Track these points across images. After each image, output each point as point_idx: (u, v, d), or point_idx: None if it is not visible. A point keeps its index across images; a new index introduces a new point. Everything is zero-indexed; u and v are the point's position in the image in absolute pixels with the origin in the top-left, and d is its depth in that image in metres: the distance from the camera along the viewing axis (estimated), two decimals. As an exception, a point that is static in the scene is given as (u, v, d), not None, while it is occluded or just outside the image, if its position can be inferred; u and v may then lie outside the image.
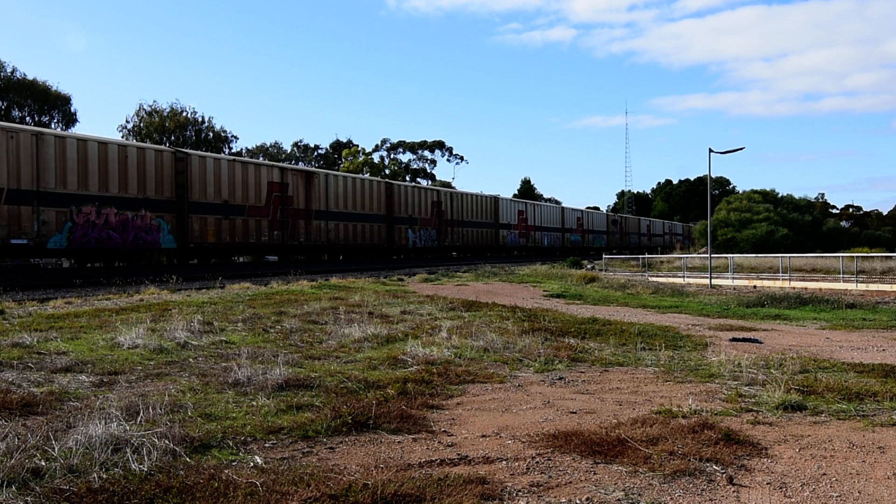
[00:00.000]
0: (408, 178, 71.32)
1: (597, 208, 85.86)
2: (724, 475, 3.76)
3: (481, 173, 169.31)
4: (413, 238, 37.44)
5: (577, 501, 3.41)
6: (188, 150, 26.36)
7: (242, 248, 27.29)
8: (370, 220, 34.19)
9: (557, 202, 79.83)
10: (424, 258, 38.61)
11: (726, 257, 34.62)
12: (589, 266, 34.07)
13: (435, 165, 79.49)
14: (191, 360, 7.05)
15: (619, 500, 3.44)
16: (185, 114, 55.19)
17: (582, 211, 62.78)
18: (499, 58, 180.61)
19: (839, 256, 29.53)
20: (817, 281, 26.77)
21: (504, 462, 4.00)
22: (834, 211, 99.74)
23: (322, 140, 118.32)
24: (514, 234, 48.73)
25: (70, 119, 51.10)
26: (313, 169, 35.31)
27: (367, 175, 50.84)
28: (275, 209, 28.15)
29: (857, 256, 29.35)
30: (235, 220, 26.25)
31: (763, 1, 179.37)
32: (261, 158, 66.12)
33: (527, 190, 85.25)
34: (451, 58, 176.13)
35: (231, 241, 26.12)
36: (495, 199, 46.70)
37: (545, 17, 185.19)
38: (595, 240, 63.82)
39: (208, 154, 27.60)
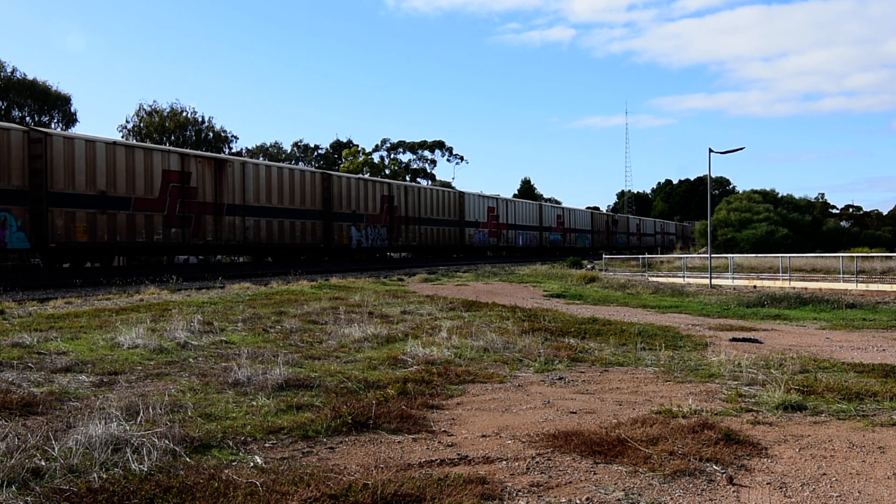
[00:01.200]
0: (408, 178, 71.21)
1: (597, 208, 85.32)
2: (724, 475, 3.76)
3: (481, 173, 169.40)
4: (357, 237, 33.31)
5: (577, 501, 3.41)
6: (49, 129, 23.34)
7: (127, 248, 23.46)
8: (302, 216, 30.01)
9: (558, 202, 79.49)
10: (370, 260, 34.97)
11: (726, 257, 34.63)
12: (589, 266, 34.07)
13: (435, 165, 79.52)
14: (191, 360, 7.05)
15: (619, 500, 3.44)
16: (185, 114, 55.23)
17: (563, 208, 58.86)
18: (498, 58, 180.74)
19: (839, 256, 29.53)
20: (817, 281, 26.77)
21: (504, 462, 3.99)
22: (834, 211, 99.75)
23: (322, 140, 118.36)
24: (483, 232, 44.83)
25: (70, 119, 51.10)
26: (224, 156, 31.78)
27: (300, 165, 46.39)
28: (172, 202, 24.31)
29: (857, 256, 29.35)
30: (117, 215, 22.40)
31: (762, 1, 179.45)
32: (258, 158, 66.04)
33: (527, 190, 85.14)
34: (451, 58, 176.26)
35: (111, 241, 22.28)
36: (460, 195, 43.32)
37: (544, 16, 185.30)
38: (578, 239, 59.80)
39: (78, 134, 23.80)
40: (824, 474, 3.81)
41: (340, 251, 33.01)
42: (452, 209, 42.05)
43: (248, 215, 27.37)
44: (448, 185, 70.07)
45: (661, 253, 60.80)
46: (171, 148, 29.03)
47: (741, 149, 29.39)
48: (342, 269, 25.98)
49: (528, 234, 51.25)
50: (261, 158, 66.28)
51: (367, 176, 46.04)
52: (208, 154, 29.16)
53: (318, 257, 32.06)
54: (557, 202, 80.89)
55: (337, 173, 34.52)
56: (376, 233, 35.00)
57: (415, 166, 77.90)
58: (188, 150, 28.45)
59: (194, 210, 25.20)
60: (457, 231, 42.40)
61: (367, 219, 34.23)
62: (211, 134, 56.68)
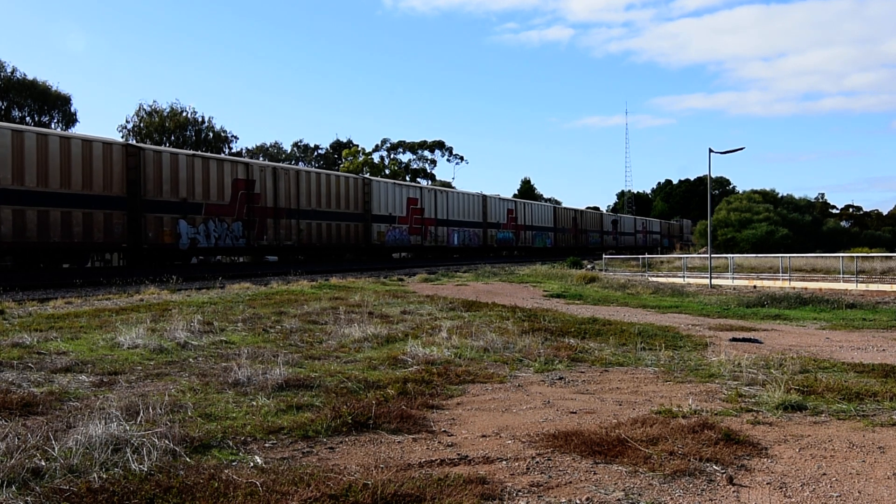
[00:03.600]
0: (408, 178, 71.14)
1: (597, 208, 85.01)
2: (724, 475, 3.76)
3: (481, 173, 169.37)
4: (191, 234, 24.87)
5: (577, 501, 3.41)
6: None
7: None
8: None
9: (558, 202, 79.24)
10: (206, 267, 26.92)
11: (726, 257, 34.63)
12: (589, 266, 34.09)
13: (435, 165, 79.52)
14: (191, 360, 7.05)
15: (619, 500, 3.44)
16: (185, 114, 55.24)
17: (516, 201, 50.29)
18: (497, 57, 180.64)
19: (839, 256, 29.53)
20: (817, 281, 26.77)
21: (504, 462, 3.99)
22: (834, 211, 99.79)
23: (322, 140, 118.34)
24: (401, 229, 35.99)
25: (70, 119, 51.12)
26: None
27: (97, 135, 40.50)
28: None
29: (857, 256, 29.35)
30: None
31: (761, 0, 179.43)
32: (260, 158, 65.94)
33: (527, 190, 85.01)
34: (450, 58, 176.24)
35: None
36: (364, 182, 34.10)
37: (542, 16, 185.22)
38: (536, 238, 51.17)
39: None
40: (824, 474, 3.81)
41: (159, 252, 26.96)
42: (353, 200, 32.84)
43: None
44: (448, 184, 69.99)
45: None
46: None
47: (741, 149, 29.41)
48: (343, 270, 26.00)
49: (468, 232, 42.43)
50: (264, 159, 66.23)
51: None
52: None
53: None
54: (557, 202, 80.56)
55: (151, 147, 30.11)
56: (224, 228, 31.02)
57: (415, 166, 77.94)
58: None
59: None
60: (359, 227, 33.21)
61: (207, 209, 27.54)
62: (211, 134, 56.70)
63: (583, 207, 67.63)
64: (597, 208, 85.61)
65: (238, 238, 27.01)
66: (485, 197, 44.70)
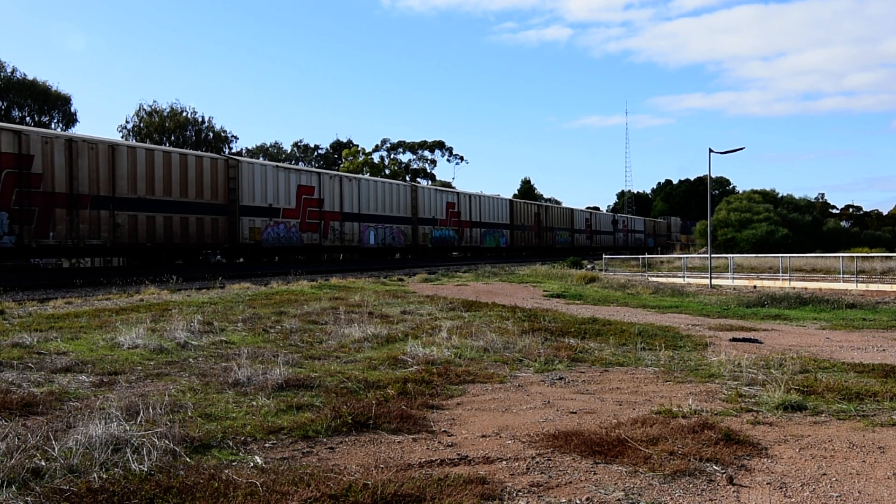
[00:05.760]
0: (408, 178, 71.11)
1: (597, 208, 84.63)
2: (724, 475, 3.76)
3: (481, 173, 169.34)
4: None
5: (577, 501, 3.41)
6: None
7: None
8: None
9: (557, 202, 78.97)
10: (206, 267, 24.72)
11: (726, 257, 34.63)
12: (589, 266, 34.09)
13: (435, 165, 79.45)
14: (191, 360, 7.05)
15: (619, 500, 3.44)
16: (185, 114, 55.27)
17: (458, 193, 42.05)
18: (495, 57, 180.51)
19: (839, 256, 29.53)
20: (817, 281, 26.77)
21: (504, 462, 3.99)
22: (834, 211, 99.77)
23: (322, 140, 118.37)
24: (288, 225, 28.23)
25: (70, 119, 51.13)
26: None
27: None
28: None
29: (857, 256, 29.35)
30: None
31: (760, 0, 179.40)
32: (260, 158, 65.97)
33: (527, 190, 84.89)
34: (449, 57, 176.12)
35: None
36: (228, 164, 25.98)
37: (540, 16, 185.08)
38: (486, 236, 43.80)
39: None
40: (824, 474, 3.81)
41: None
42: (211, 187, 25.06)
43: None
44: (448, 184, 69.88)
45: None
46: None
47: (741, 149, 29.41)
48: (344, 270, 26.01)
49: (389, 229, 34.82)
50: (262, 159, 66.16)
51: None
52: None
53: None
54: (557, 202, 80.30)
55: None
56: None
57: (415, 166, 77.93)
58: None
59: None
60: (216, 222, 25.15)
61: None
62: (211, 134, 56.71)
63: (547, 203, 60.74)
64: (597, 208, 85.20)
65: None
66: (415, 187, 38.21)
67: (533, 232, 49.68)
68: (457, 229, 40.85)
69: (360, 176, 36.21)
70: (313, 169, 34.62)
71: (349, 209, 32.13)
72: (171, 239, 23.64)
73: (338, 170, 59.20)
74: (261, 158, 66.56)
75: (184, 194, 24.13)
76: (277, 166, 29.42)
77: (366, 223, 33.21)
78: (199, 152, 27.49)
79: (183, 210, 24.05)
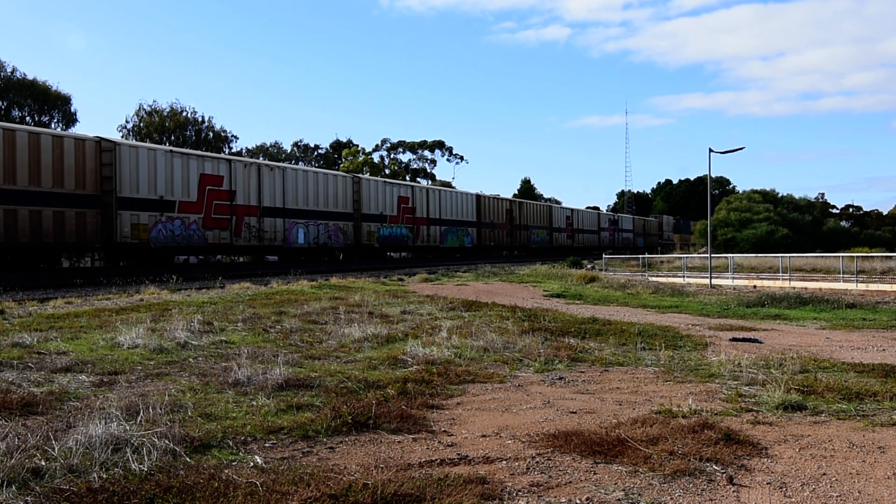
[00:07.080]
0: (408, 178, 71.07)
1: (597, 208, 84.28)
2: (724, 475, 3.76)
3: (481, 173, 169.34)
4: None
5: (577, 501, 3.41)
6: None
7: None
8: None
9: (558, 202, 78.91)
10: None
11: (726, 257, 34.62)
12: (589, 266, 34.10)
13: (435, 165, 79.46)
14: (191, 360, 7.05)
15: (619, 500, 3.44)
16: (185, 114, 55.22)
17: (412, 187, 38.18)
18: (494, 57, 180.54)
19: (839, 256, 29.52)
20: (817, 281, 26.77)
21: (504, 462, 3.99)
22: (834, 211, 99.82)
23: (322, 140, 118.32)
24: (187, 221, 24.06)
25: (70, 119, 51.11)
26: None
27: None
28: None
29: (857, 256, 29.35)
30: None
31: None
32: (261, 158, 65.93)
33: (527, 190, 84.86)
34: (448, 57, 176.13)
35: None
36: (100, 146, 21.62)
37: (539, 15, 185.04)
38: (448, 235, 39.72)
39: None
40: (824, 474, 3.81)
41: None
42: (80, 176, 20.87)
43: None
44: (448, 184, 69.81)
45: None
46: (208, 154, 28.80)
47: (741, 149, 29.37)
48: (344, 269, 26.03)
49: (325, 227, 30.69)
50: (276, 160, 66.10)
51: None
52: (249, 160, 33.38)
53: (350, 256, 34.86)
54: (557, 202, 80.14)
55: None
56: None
57: (415, 166, 77.94)
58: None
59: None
60: (86, 216, 20.59)
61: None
62: (211, 134, 56.69)
63: (521, 199, 56.55)
64: (597, 208, 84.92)
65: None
66: (357, 178, 33.25)
67: (504, 230, 45.90)
68: (411, 227, 36.56)
69: (284, 165, 31.38)
70: (222, 156, 28.88)
71: (270, 203, 27.74)
72: (17, 237, 19.32)
73: (338, 169, 59.00)
74: (249, 156, 66.57)
75: (34, 182, 19.66)
76: (172, 151, 24.22)
77: (293, 219, 28.78)
78: (59, 132, 22.82)
79: (32, 202, 19.56)
